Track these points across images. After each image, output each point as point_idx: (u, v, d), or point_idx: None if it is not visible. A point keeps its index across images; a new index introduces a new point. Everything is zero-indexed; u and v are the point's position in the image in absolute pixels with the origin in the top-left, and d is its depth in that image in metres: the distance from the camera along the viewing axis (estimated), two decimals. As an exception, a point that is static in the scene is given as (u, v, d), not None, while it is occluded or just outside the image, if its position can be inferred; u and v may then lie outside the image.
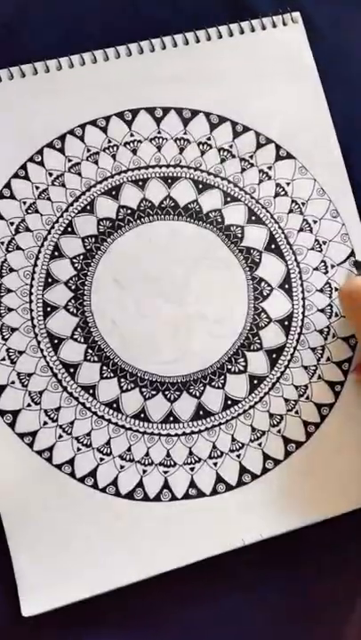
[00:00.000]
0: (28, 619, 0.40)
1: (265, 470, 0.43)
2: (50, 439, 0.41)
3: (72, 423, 0.42)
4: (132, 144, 0.44)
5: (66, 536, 0.41)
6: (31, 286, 0.42)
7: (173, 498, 0.42)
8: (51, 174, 0.43)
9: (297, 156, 0.45)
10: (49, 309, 0.42)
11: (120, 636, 0.42)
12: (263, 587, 0.44)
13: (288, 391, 0.44)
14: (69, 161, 0.43)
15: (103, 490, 0.42)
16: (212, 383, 0.43)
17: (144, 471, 0.42)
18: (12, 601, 0.41)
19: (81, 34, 0.45)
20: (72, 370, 0.42)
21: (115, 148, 0.44)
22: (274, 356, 0.44)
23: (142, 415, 0.42)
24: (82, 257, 0.43)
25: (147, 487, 0.42)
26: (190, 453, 0.43)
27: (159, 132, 0.44)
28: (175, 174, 0.44)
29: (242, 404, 0.43)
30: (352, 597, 0.44)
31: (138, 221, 0.43)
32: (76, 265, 0.43)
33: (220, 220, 0.44)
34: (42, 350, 0.42)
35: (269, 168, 0.45)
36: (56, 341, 0.42)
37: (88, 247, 0.43)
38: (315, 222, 0.45)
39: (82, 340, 0.42)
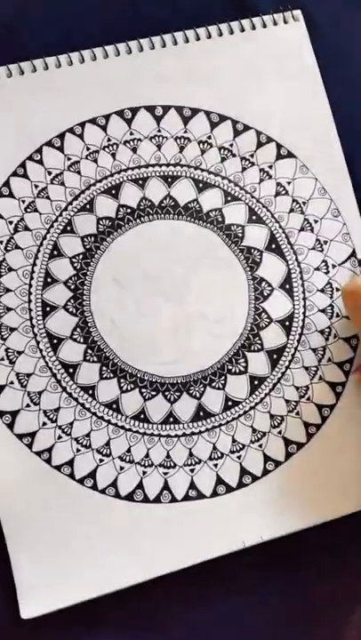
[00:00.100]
0: (27, 620, 0.40)
1: (266, 472, 0.43)
2: (49, 440, 0.41)
3: (71, 424, 0.41)
4: (131, 142, 0.43)
5: (65, 538, 0.41)
6: (30, 286, 0.42)
7: (173, 499, 0.42)
8: (50, 173, 0.43)
9: (298, 155, 0.45)
10: (48, 309, 0.42)
11: (120, 638, 0.42)
12: (263, 589, 0.43)
13: (289, 392, 0.44)
14: (69, 159, 0.43)
15: (103, 491, 0.41)
16: (213, 384, 0.43)
17: (144, 472, 0.42)
18: (12, 601, 0.40)
19: (81, 33, 0.44)
20: (71, 370, 0.42)
21: (114, 147, 0.43)
22: (275, 356, 0.44)
23: (142, 416, 0.42)
24: (81, 256, 0.43)
25: (146, 489, 0.42)
26: (190, 454, 0.42)
27: (159, 131, 0.44)
28: (175, 173, 0.44)
29: (242, 404, 0.43)
30: (352, 600, 0.44)
31: (138, 220, 0.43)
32: (76, 264, 0.42)
33: (220, 219, 0.44)
34: (41, 350, 0.42)
35: (270, 167, 0.45)
36: (55, 341, 0.42)
37: (87, 246, 0.43)
38: (316, 222, 0.45)
39: (81, 340, 0.42)
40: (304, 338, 0.44)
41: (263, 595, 0.43)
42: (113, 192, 0.43)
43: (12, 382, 0.41)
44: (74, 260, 0.42)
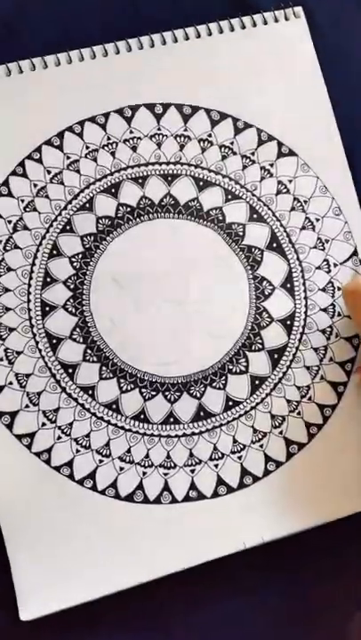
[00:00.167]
0: (27, 621, 0.40)
1: (267, 472, 0.43)
2: (48, 441, 0.41)
3: (71, 424, 0.41)
4: (131, 141, 0.43)
5: (65, 539, 0.41)
6: (29, 285, 0.42)
7: (174, 500, 0.42)
8: (49, 172, 0.42)
9: (299, 153, 0.45)
10: (47, 309, 0.42)
11: (122, 638, 0.42)
12: (264, 590, 0.43)
13: (290, 392, 0.43)
14: (68, 158, 0.43)
15: (102, 492, 0.41)
16: (213, 384, 0.43)
17: (144, 473, 0.42)
18: (11, 602, 0.40)
19: (80, 32, 0.44)
20: (71, 370, 0.42)
21: (114, 145, 0.43)
22: (276, 356, 0.43)
23: (142, 416, 0.42)
24: (81, 256, 0.42)
25: (147, 489, 0.41)
26: (191, 455, 0.42)
27: (159, 129, 0.44)
28: (175, 171, 0.44)
29: (243, 404, 0.43)
30: (352, 600, 0.44)
31: (137, 219, 0.43)
32: (75, 264, 0.42)
33: (220, 218, 0.44)
34: (40, 350, 0.41)
35: (271, 165, 0.44)
36: (55, 341, 0.42)
37: (87, 246, 0.42)
38: (317, 220, 0.45)
39: (81, 340, 0.42)
40: (305, 337, 0.44)
41: (264, 595, 0.43)
42: (113, 191, 0.43)
43: (10, 383, 0.41)
44: (73, 259, 0.42)
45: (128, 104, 0.43)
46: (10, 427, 0.41)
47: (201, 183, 0.44)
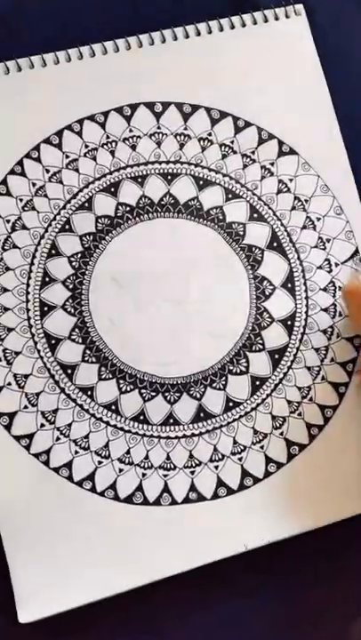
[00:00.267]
0: (26, 623, 0.40)
1: (267, 474, 0.42)
2: (47, 442, 0.41)
3: (70, 425, 0.41)
4: (131, 140, 0.43)
5: (63, 541, 0.40)
6: (28, 285, 0.42)
7: (173, 502, 0.41)
8: (48, 171, 0.42)
9: (300, 152, 0.44)
10: (46, 309, 0.42)
11: (120, 641, 0.42)
12: (262, 592, 0.43)
13: (291, 393, 0.43)
14: (67, 157, 0.42)
15: (101, 494, 0.41)
16: (213, 384, 0.42)
17: (143, 474, 0.41)
18: (10, 603, 0.40)
19: (79, 30, 0.44)
20: (70, 371, 0.41)
21: (113, 144, 0.43)
22: (276, 356, 0.43)
23: (142, 417, 0.42)
24: (80, 255, 0.42)
25: (146, 491, 0.41)
26: (191, 456, 0.42)
27: (159, 128, 0.43)
28: (175, 171, 0.43)
29: (243, 405, 0.43)
30: (350, 603, 0.44)
31: (137, 219, 0.43)
32: (74, 263, 0.42)
33: (221, 217, 0.43)
34: (39, 351, 0.41)
35: (272, 164, 0.44)
36: (53, 342, 0.41)
37: (86, 245, 0.42)
38: (318, 219, 0.44)
39: (80, 341, 0.42)
40: (306, 337, 0.44)
41: (262, 598, 0.43)
42: (112, 190, 0.43)
43: (9, 383, 0.41)
44: (72, 259, 0.42)
45: (128, 102, 0.43)
46: (8, 428, 0.41)
47: (201, 182, 0.43)
